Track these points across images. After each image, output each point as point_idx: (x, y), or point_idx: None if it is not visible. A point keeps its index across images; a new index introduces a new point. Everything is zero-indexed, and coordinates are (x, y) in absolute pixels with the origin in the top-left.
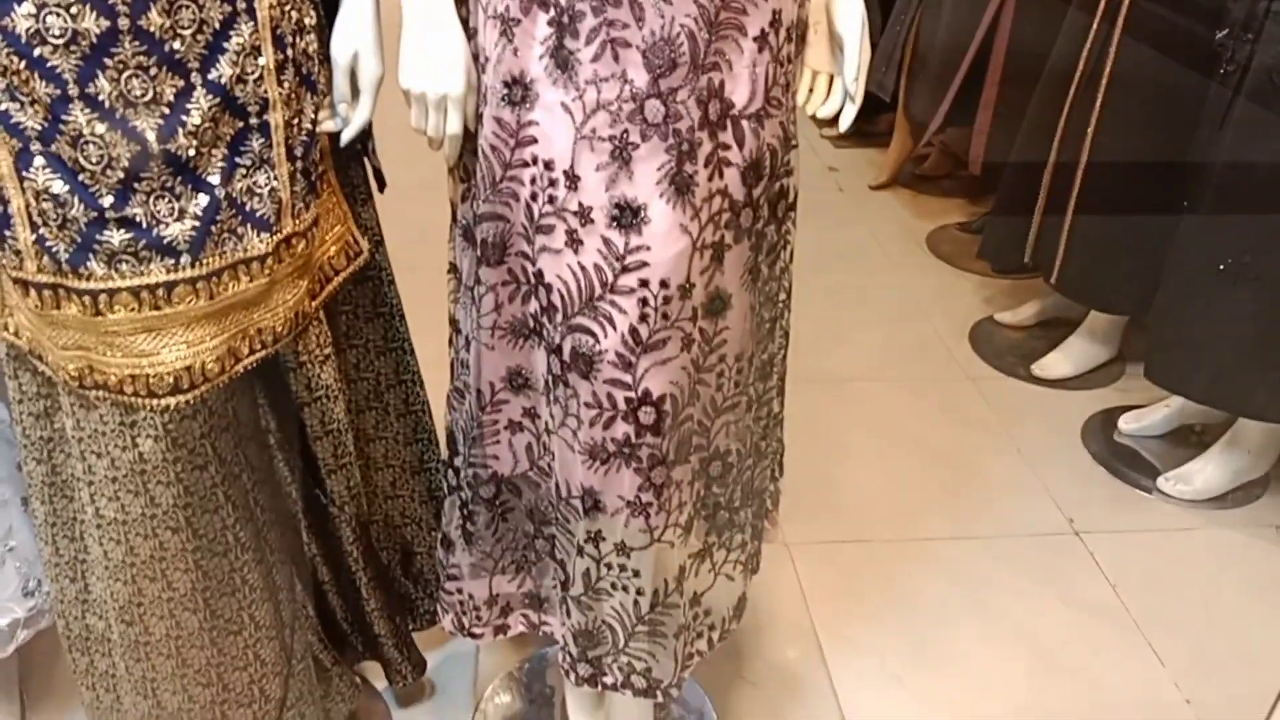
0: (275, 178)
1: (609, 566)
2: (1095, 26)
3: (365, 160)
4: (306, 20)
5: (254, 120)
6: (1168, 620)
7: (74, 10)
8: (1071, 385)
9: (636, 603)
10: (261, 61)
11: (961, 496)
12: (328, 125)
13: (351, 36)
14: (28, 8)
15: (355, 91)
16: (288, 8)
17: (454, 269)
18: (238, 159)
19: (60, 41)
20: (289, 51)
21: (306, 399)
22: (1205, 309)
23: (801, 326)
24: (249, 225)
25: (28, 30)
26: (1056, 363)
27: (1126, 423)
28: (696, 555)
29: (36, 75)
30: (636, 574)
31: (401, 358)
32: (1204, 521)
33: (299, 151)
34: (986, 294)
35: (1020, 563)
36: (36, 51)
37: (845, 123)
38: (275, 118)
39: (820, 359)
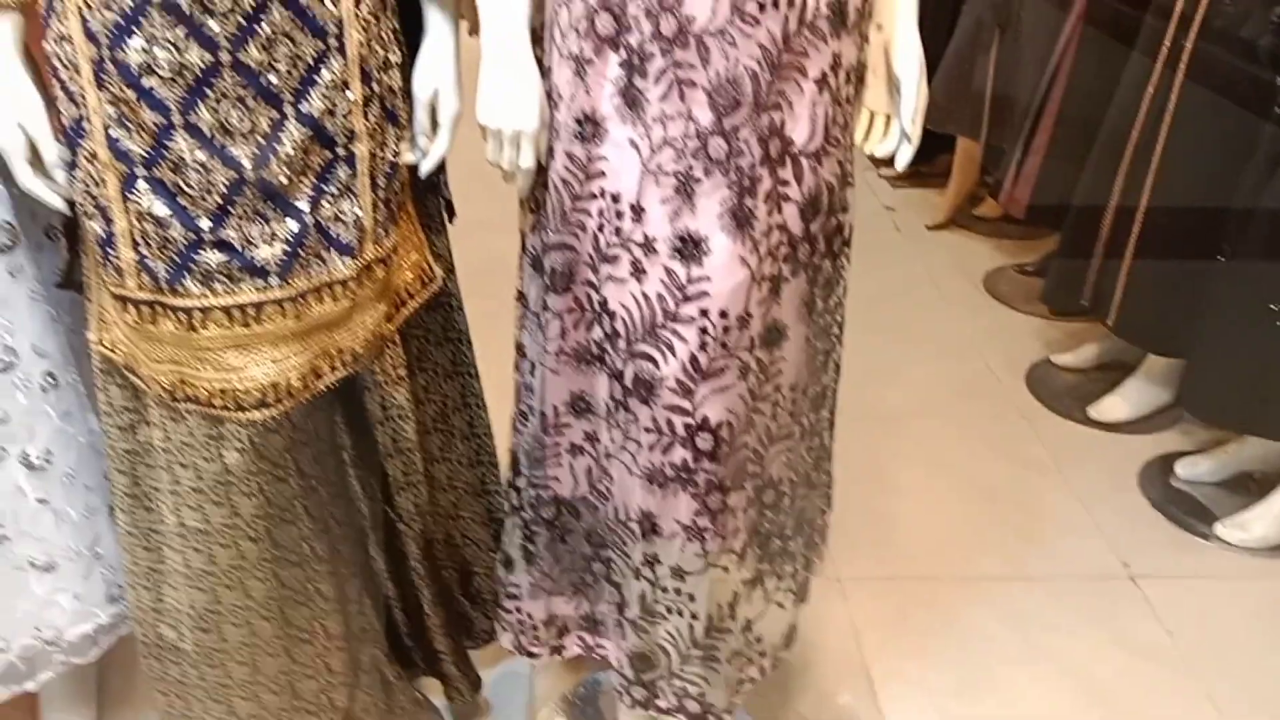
0: (359, 206)
1: (665, 590)
2: (1158, 72)
3: (439, 191)
4: (391, 57)
5: (341, 151)
6: (1222, 667)
7: (180, 44)
8: (1128, 429)
9: (691, 627)
10: (350, 96)
11: (1015, 536)
12: (408, 157)
13: (432, 74)
14: (138, 42)
15: (434, 125)
16: (375, 45)
17: (522, 296)
18: (325, 187)
19: (167, 73)
20: (375, 87)
21: (380, 418)
22: (1253, 345)
23: (856, 362)
24: (334, 250)
25: (138, 63)
26: (1114, 406)
27: (1184, 468)
28: (749, 582)
29: (145, 105)
30: (691, 598)
31: (467, 382)
32: (1261, 569)
33: (381, 182)
34: (1044, 335)
35: (1074, 605)
36: (145, 82)
37: (901, 162)
38: (361, 149)
39: (875, 395)
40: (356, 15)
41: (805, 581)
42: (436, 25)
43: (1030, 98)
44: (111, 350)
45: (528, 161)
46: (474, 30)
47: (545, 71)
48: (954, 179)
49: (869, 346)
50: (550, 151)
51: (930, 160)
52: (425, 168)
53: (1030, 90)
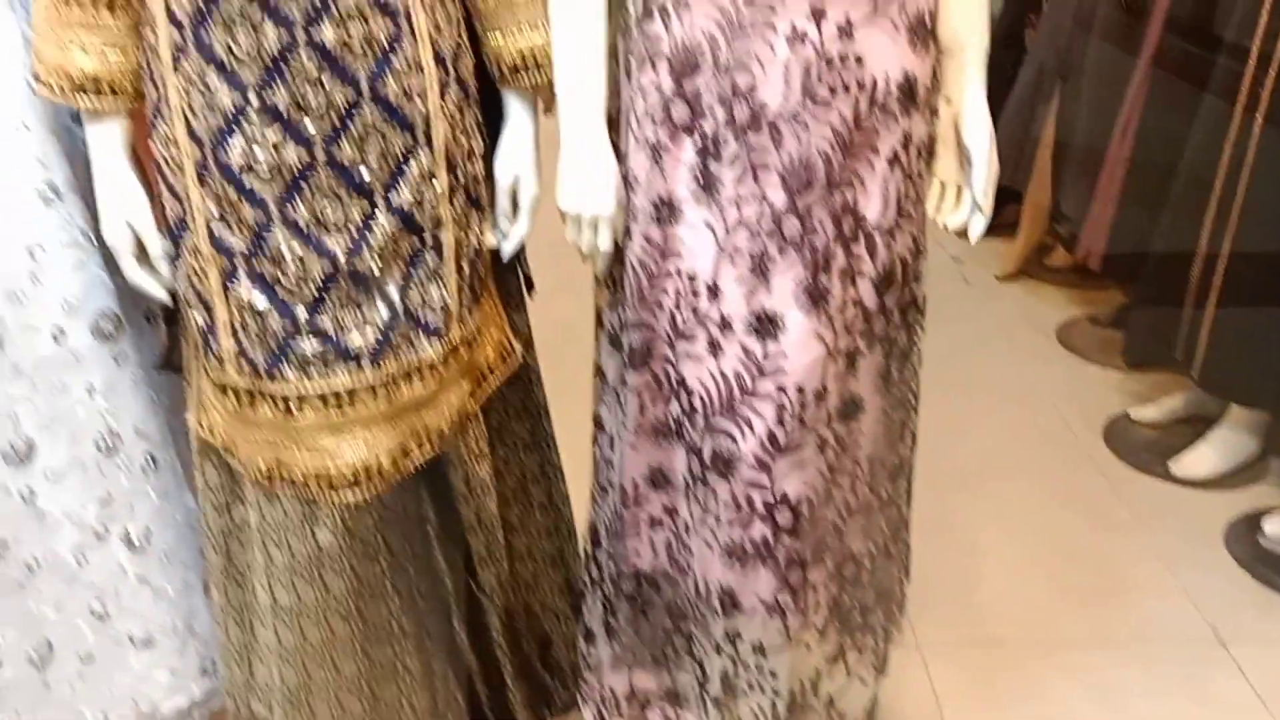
0: (446, 290)
1: (746, 666)
2: (1238, 117)
3: (518, 268)
4: (475, 146)
5: (429, 238)
6: None
7: (278, 144)
8: (1212, 485)
9: (774, 704)
10: (437, 186)
11: (1097, 600)
12: (490, 241)
13: (514, 161)
14: (239, 142)
15: (514, 208)
16: (460, 136)
17: (600, 371)
18: (413, 273)
19: (266, 172)
20: (460, 176)
21: (464, 492)
22: None
23: (928, 419)
24: (422, 334)
25: (239, 163)
26: (1196, 461)
27: (1272, 525)
28: (831, 658)
29: (245, 202)
30: (774, 675)
31: (545, 454)
32: None
33: (466, 266)
34: (1121, 388)
35: (1160, 671)
36: (246, 181)
37: (975, 235)
38: (448, 236)
39: (949, 454)
40: (443, 109)
41: (885, 653)
42: (517, 114)
43: (1098, 146)
44: (210, 433)
45: (605, 244)
46: (549, 109)
47: (621, 157)
48: (1023, 229)
49: (940, 403)
50: (628, 233)
51: (998, 210)
52: (507, 250)
53: (1098, 138)
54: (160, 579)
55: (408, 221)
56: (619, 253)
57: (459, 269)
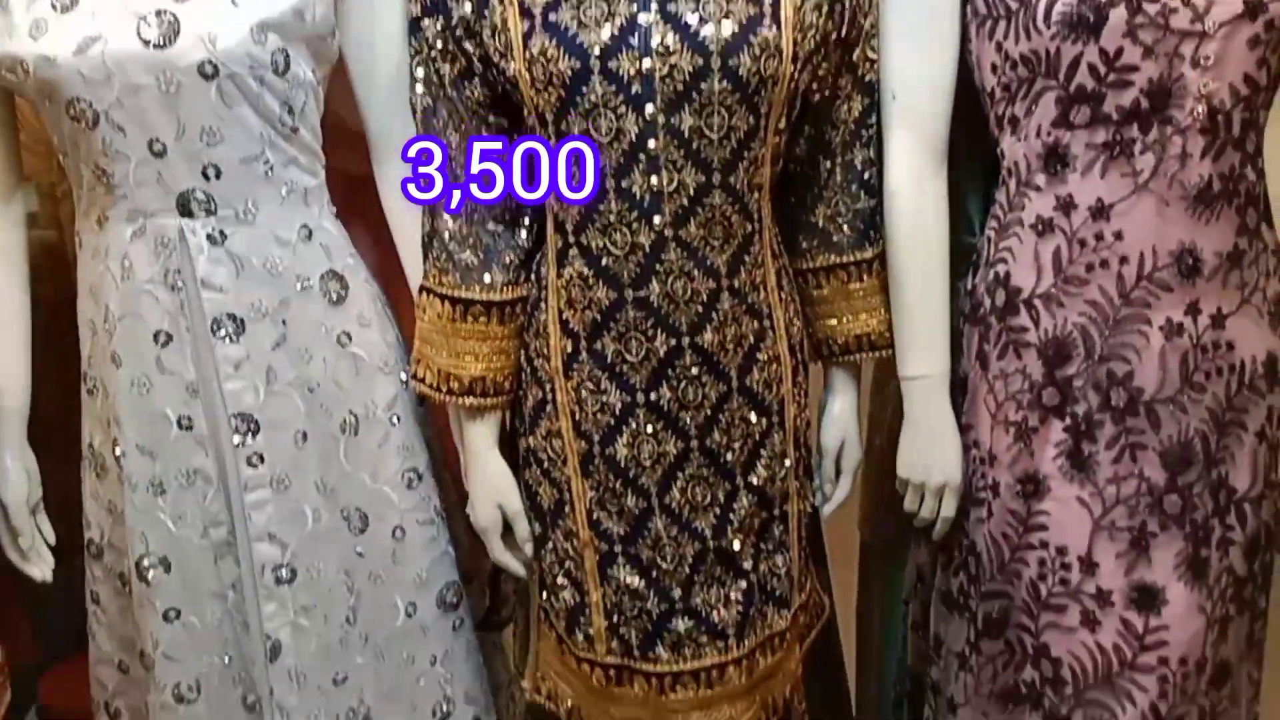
0: (790, 559)
1: None
2: None
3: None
4: (811, 421)
5: (777, 511)
6: None
7: (660, 437)
8: None
9: None
10: (787, 464)
11: None
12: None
13: (839, 428)
14: (625, 438)
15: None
16: (805, 413)
17: (936, 640)
18: (763, 546)
19: (648, 463)
20: (803, 450)
21: None
22: None
23: None
24: (771, 604)
25: (625, 457)
26: None
27: None
28: None
29: (629, 491)
30: None
31: (842, 709)
32: None
33: (805, 533)
34: None
35: None
36: (631, 472)
37: None
38: (792, 508)
39: None
40: (794, 393)
41: None
42: (843, 384)
43: None
44: (549, 700)
45: (951, 511)
46: None
47: (965, 428)
48: None
49: None
50: (989, 508)
51: None
52: (828, 511)
53: None
54: None
55: (762, 498)
56: (958, 523)
57: (799, 537)
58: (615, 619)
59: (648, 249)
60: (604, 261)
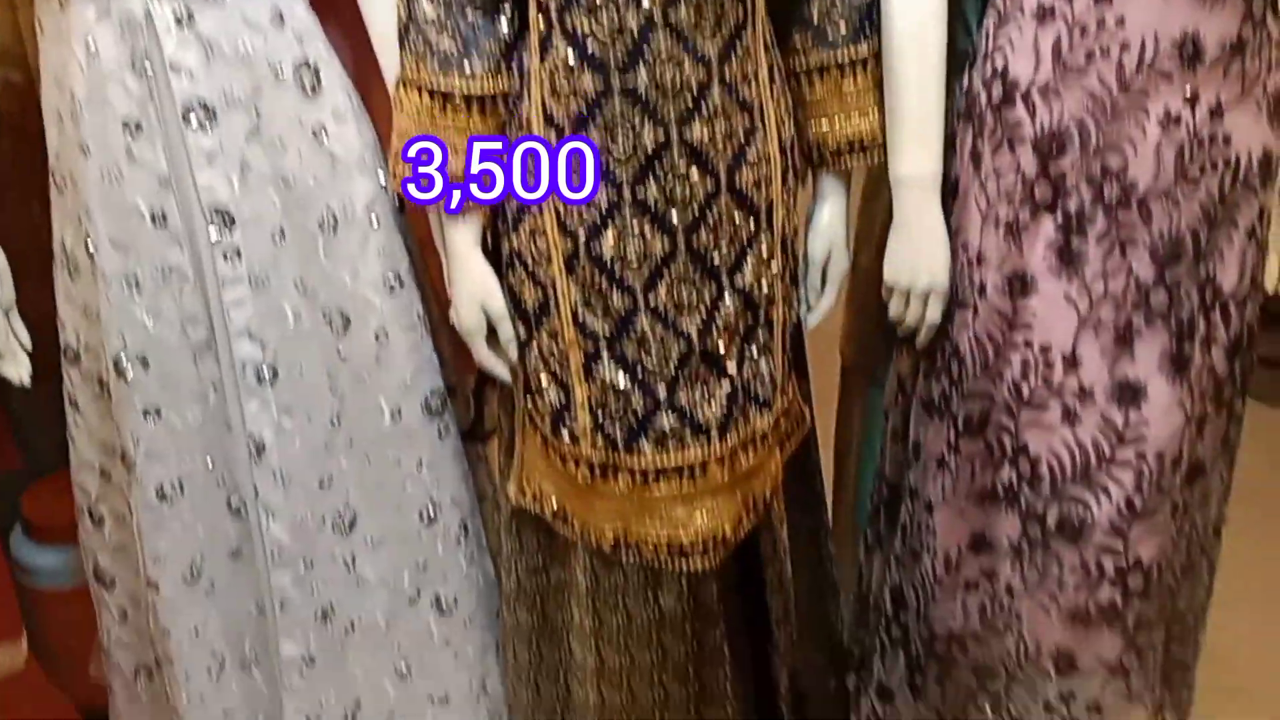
0: (774, 364)
1: None
2: None
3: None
4: (800, 226)
5: (762, 316)
6: None
7: (647, 235)
8: None
9: None
10: (774, 267)
11: None
12: (802, 314)
13: (827, 236)
14: (611, 235)
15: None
16: (793, 217)
17: (898, 437)
18: (749, 349)
19: (635, 262)
20: (790, 256)
21: (770, 556)
22: None
23: None
24: (755, 406)
25: (611, 255)
26: None
27: None
28: (1153, 714)
29: (614, 289)
30: None
31: (819, 515)
32: None
33: (789, 340)
34: None
35: None
36: (616, 270)
37: None
38: (777, 313)
39: None
40: (782, 196)
41: (1189, 709)
42: (832, 191)
43: None
44: (534, 502)
45: (937, 316)
46: None
47: (955, 230)
48: None
49: None
50: (969, 306)
51: None
52: (813, 321)
53: None
54: (462, 641)
55: (748, 301)
56: (942, 328)
57: (783, 343)
58: (600, 416)
59: (635, 33)
60: (589, 47)
